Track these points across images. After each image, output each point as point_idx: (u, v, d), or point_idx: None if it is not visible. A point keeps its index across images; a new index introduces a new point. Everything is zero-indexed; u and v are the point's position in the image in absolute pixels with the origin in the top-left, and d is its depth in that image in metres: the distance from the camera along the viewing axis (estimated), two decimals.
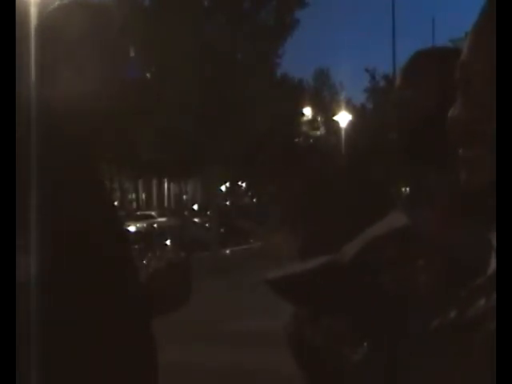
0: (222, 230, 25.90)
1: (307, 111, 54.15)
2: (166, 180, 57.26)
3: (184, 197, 64.47)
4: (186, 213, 44.31)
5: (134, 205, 55.68)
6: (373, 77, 54.16)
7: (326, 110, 52.90)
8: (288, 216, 1.51)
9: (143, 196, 60.17)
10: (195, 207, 52.44)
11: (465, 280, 0.94)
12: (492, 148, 0.85)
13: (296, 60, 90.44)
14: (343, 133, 38.71)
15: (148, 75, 23.71)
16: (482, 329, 0.81)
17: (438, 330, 0.96)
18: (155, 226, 27.72)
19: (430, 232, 1.44)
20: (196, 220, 32.83)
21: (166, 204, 58.21)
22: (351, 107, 50.33)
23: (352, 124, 42.79)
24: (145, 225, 28.00)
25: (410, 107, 1.57)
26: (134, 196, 58.23)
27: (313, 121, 54.91)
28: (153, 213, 41.61)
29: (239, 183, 62.84)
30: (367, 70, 54.46)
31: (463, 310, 0.89)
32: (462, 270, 1.15)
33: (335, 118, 43.33)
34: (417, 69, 1.60)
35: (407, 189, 1.68)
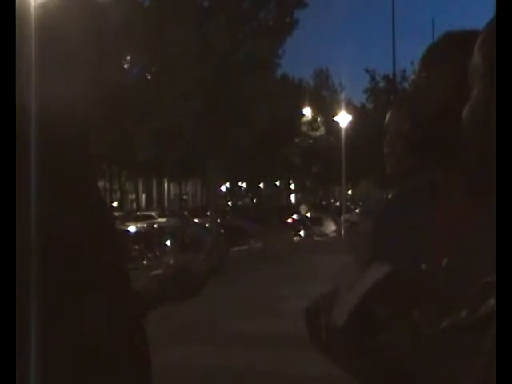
0: (221, 230, 25.90)
1: (307, 111, 54.15)
2: (166, 180, 57.27)
3: (184, 197, 64.46)
4: (185, 213, 44.32)
5: (134, 205, 55.67)
6: (373, 77, 54.19)
7: (325, 110, 52.88)
8: None
9: (143, 196, 60.16)
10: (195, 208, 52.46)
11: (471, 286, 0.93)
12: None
13: (296, 60, 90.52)
14: (343, 133, 38.70)
15: (148, 76, 23.71)
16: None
17: None
18: (155, 226, 27.70)
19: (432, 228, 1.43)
20: (196, 220, 32.83)
21: (166, 204, 58.19)
22: (351, 107, 50.31)
23: (352, 124, 42.79)
24: (145, 225, 27.98)
25: (427, 95, 1.45)
26: (134, 196, 58.22)
27: (313, 121, 54.90)
28: (153, 213, 41.62)
29: (239, 183, 62.87)
30: (367, 70, 54.49)
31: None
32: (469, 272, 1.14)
33: (335, 118, 43.32)
34: (431, 56, 1.48)
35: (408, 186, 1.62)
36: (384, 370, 1.34)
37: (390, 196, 1.71)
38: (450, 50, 1.46)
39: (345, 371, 1.41)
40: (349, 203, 51.51)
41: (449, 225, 1.40)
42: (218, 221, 27.06)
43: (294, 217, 36.64)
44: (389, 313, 1.28)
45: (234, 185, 61.82)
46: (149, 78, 23.65)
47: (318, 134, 54.67)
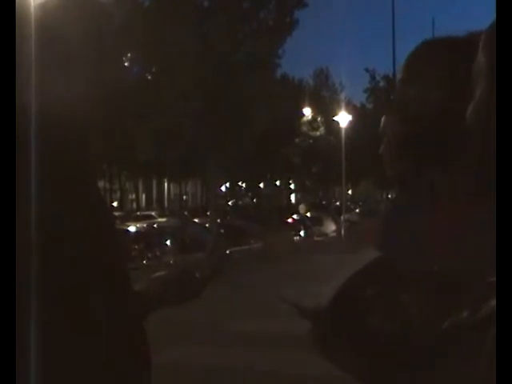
0: (221, 230, 25.90)
1: (307, 111, 54.15)
2: (166, 180, 57.28)
3: (184, 197, 64.46)
4: (185, 213, 44.32)
5: (134, 205, 55.67)
6: (373, 77, 54.24)
7: (325, 110, 52.88)
8: None
9: (143, 196, 60.16)
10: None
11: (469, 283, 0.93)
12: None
13: (296, 60, 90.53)
14: (343, 133, 38.71)
15: (148, 76, 23.71)
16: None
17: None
18: (155, 225, 27.71)
19: (431, 233, 1.43)
20: (196, 220, 32.83)
21: (166, 204, 58.20)
22: (351, 107, 50.30)
23: (352, 124, 42.80)
24: (145, 225, 27.98)
25: (415, 103, 1.49)
26: (134, 196, 58.22)
27: (313, 121, 54.90)
28: (153, 213, 41.62)
29: (239, 183, 62.88)
30: (367, 70, 54.54)
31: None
32: (464, 271, 1.15)
33: (335, 118, 43.32)
34: (422, 61, 1.51)
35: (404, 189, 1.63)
36: (382, 370, 1.33)
37: (390, 196, 1.72)
38: (429, 55, 1.51)
39: (339, 366, 1.40)
40: (349, 203, 51.49)
41: (449, 225, 1.41)
42: (218, 221, 27.08)
43: (294, 217, 36.65)
44: (377, 296, 1.28)
45: (233, 185, 61.82)
46: (149, 77, 23.66)
47: (317, 133, 54.69)
